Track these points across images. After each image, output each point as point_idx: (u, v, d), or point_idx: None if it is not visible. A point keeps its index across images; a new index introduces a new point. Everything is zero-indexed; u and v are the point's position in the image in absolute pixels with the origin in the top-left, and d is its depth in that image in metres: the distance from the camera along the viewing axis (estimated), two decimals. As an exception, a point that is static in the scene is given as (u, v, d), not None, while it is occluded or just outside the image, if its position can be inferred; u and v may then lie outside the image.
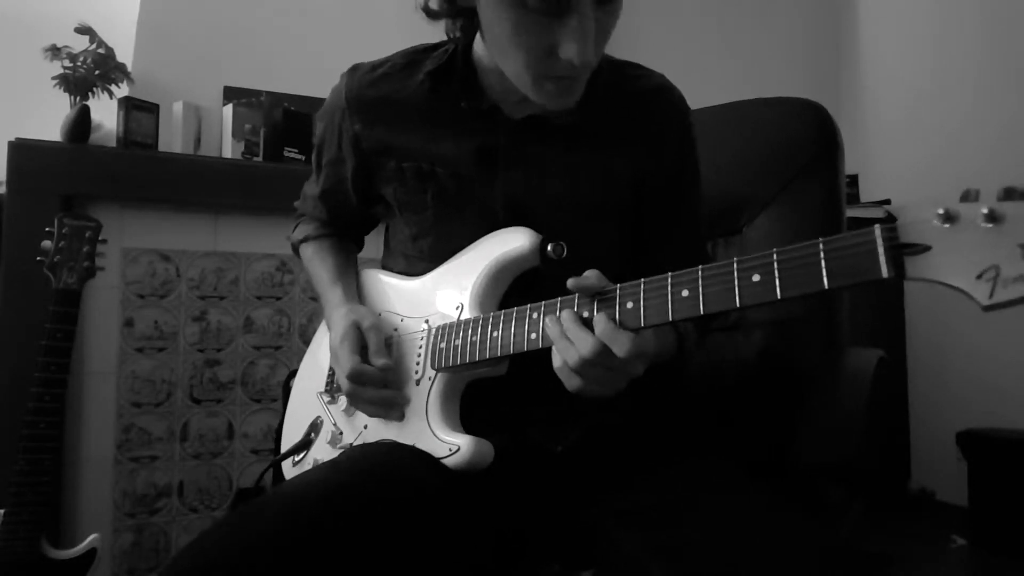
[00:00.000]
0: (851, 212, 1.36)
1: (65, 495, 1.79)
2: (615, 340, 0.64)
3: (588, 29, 0.69)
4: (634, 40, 0.90)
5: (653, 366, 0.71)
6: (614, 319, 0.66)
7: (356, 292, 0.96)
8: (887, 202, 2.79)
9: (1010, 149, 2.46)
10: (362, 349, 0.84)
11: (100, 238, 1.38)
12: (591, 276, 0.69)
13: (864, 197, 2.88)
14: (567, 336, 0.67)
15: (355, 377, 0.82)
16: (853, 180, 2.88)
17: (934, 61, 2.80)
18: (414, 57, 0.90)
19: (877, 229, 0.52)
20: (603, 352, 0.64)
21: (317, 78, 1.89)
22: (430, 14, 0.81)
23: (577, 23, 0.69)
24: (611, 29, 0.75)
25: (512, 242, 0.81)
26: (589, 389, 0.68)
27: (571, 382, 0.69)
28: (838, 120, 1.08)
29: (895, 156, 2.91)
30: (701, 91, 0.91)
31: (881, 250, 0.52)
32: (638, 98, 0.89)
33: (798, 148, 1.07)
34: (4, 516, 1.29)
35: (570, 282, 0.69)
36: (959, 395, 2.59)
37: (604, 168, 0.87)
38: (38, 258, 1.33)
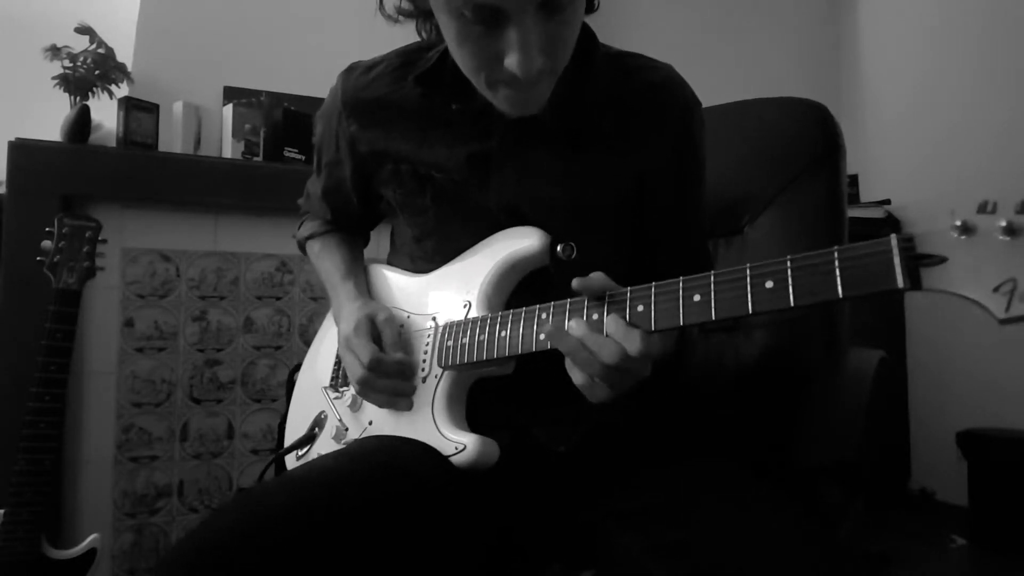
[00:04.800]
0: (851, 212, 1.36)
1: (65, 495, 1.79)
2: (627, 338, 0.64)
3: (530, 40, 0.68)
4: (634, 40, 0.89)
5: (654, 364, 0.70)
6: (624, 319, 0.65)
7: (366, 288, 0.96)
8: (887, 202, 2.79)
9: (1010, 149, 2.46)
10: (376, 341, 0.84)
11: (100, 238, 1.38)
12: (596, 278, 0.68)
13: (864, 197, 2.88)
14: (587, 347, 0.66)
15: (374, 365, 0.81)
16: (853, 180, 2.89)
17: (934, 61, 2.80)
18: (409, 57, 0.89)
19: (893, 239, 0.52)
20: (624, 355, 0.64)
21: (317, 78, 1.88)
22: (390, 17, 0.80)
23: (517, 35, 0.67)
24: (567, 37, 0.73)
25: (521, 241, 0.81)
26: (609, 395, 0.67)
27: (597, 393, 0.68)
28: (838, 120, 1.08)
29: (895, 156, 2.91)
30: (701, 91, 0.90)
31: (897, 260, 0.51)
32: (639, 94, 0.85)
33: (800, 148, 1.06)
34: (4, 516, 1.29)
35: (575, 282, 0.68)
36: (959, 395, 2.59)
37: (602, 170, 0.84)
38: (38, 258, 1.33)
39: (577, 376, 0.68)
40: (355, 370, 0.83)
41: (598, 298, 0.68)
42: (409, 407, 0.83)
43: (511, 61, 0.68)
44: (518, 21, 0.67)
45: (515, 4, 0.66)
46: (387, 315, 0.86)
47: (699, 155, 0.89)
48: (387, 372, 0.82)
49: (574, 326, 0.67)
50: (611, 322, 0.65)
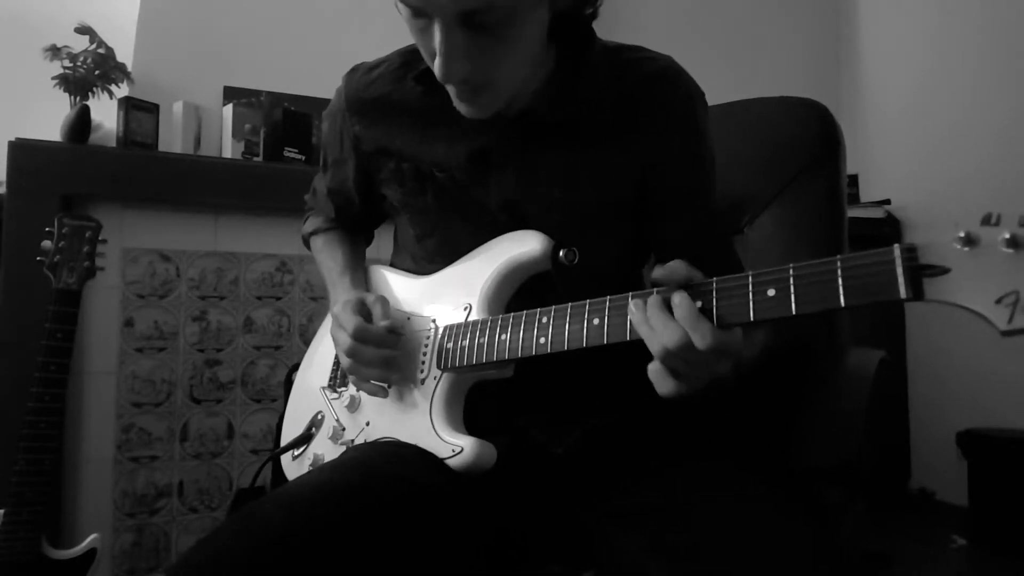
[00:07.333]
0: (851, 212, 1.35)
1: (65, 495, 1.79)
2: (696, 328, 0.60)
3: (450, 45, 0.67)
4: (633, 40, 0.89)
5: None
6: (699, 307, 0.61)
7: (364, 283, 0.97)
8: (887, 202, 2.79)
9: (1009, 149, 2.46)
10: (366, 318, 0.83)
11: (100, 238, 1.38)
12: (678, 267, 0.64)
13: (864, 197, 2.88)
14: (649, 323, 0.63)
15: (358, 334, 0.80)
16: (853, 180, 2.89)
17: (934, 61, 2.79)
18: (409, 57, 0.89)
19: (896, 249, 0.52)
20: (687, 342, 0.61)
21: (317, 78, 1.89)
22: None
23: (438, 37, 0.67)
24: (503, 54, 0.71)
25: (524, 245, 0.80)
26: (679, 390, 0.64)
27: (664, 386, 0.64)
28: (838, 120, 1.08)
29: (895, 156, 2.91)
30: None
31: (900, 270, 0.51)
32: (639, 87, 0.83)
33: (800, 148, 1.06)
34: (4, 516, 1.29)
35: (657, 272, 0.64)
36: (959, 395, 2.59)
37: (603, 167, 0.83)
38: (38, 258, 1.33)
39: (651, 365, 0.65)
40: (342, 342, 0.82)
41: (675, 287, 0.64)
42: (401, 381, 0.83)
43: (436, 63, 0.69)
44: (438, 24, 0.67)
45: (433, 7, 0.66)
46: (377, 297, 0.86)
47: (706, 145, 0.87)
48: (373, 341, 0.81)
49: (651, 302, 0.64)
50: (681, 306, 0.62)
